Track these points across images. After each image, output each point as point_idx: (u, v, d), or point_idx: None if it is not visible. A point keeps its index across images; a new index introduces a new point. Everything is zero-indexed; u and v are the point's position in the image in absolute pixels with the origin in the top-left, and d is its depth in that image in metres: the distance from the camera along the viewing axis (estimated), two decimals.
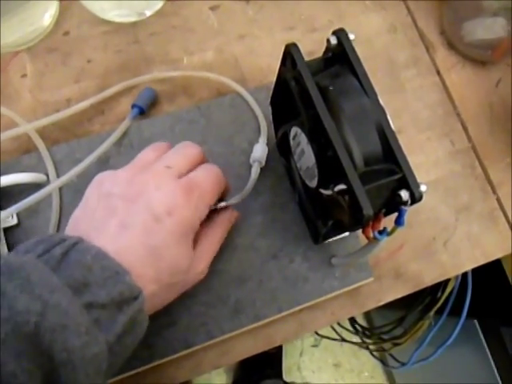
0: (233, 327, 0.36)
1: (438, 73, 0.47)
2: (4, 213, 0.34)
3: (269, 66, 0.44)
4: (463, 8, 0.46)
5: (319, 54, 0.32)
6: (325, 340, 1.09)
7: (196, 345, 0.36)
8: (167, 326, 0.36)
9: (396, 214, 0.29)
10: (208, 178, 0.31)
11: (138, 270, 0.27)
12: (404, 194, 0.26)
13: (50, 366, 0.22)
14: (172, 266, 0.29)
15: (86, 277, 0.25)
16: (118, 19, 0.44)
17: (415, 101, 0.46)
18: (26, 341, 0.21)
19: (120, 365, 0.27)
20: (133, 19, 0.44)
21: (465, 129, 0.45)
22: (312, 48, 0.44)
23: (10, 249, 0.36)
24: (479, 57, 0.47)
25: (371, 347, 0.85)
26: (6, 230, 0.36)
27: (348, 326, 0.86)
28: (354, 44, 0.29)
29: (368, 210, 0.26)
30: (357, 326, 0.86)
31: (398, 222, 0.28)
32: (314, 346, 1.13)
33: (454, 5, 0.47)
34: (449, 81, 0.46)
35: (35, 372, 0.21)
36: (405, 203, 0.27)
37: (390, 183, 0.27)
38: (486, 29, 0.44)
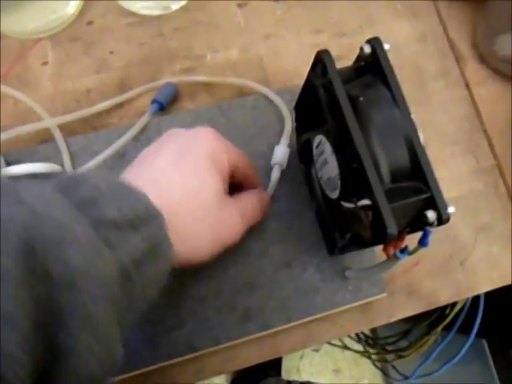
0: (239, 334, 0.36)
1: (467, 86, 0.45)
2: None
3: (294, 69, 0.43)
4: (498, 21, 0.44)
5: (346, 59, 0.31)
6: (326, 345, 1.08)
7: (201, 349, 0.35)
8: (174, 328, 0.35)
9: (419, 233, 0.28)
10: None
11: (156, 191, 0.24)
12: (431, 215, 0.25)
13: (46, 287, 0.18)
14: (196, 188, 0.27)
15: (93, 194, 0.21)
16: (143, 11, 0.43)
17: (441, 114, 0.44)
18: (14, 257, 0.17)
19: (143, 308, 0.24)
20: (158, 12, 0.43)
21: (491, 146, 0.44)
22: (339, 53, 0.43)
23: None
24: (510, 72, 0.45)
25: (373, 357, 0.84)
26: None
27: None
28: (388, 54, 0.28)
29: (393, 229, 0.25)
30: (360, 334, 0.85)
31: (423, 242, 0.27)
32: (315, 350, 1.12)
33: (489, 17, 0.45)
34: (477, 95, 0.45)
35: (26, 294, 0.17)
36: (431, 224, 0.26)
37: (416, 202, 0.26)
38: None
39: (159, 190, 0.26)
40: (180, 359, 0.35)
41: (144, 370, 0.34)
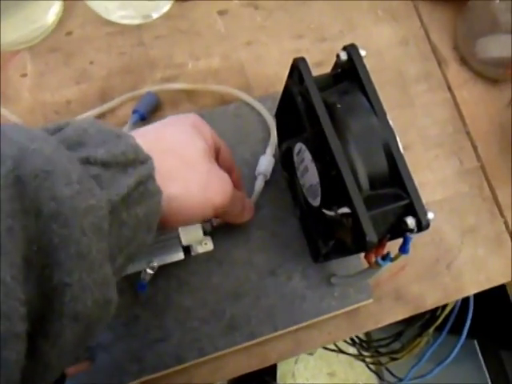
0: (226, 344, 0.35)
1: (449, 89, 0.45)
2: None
3: (275, 75, 0.43)
4: (478, 23, 0.45)
5: (327, 64, 0.31)
6: (321, 349, 1.08)
7: (188, 361, 0.35)
8: (159, 340, 0.35)
9: (400, 240, 0.27)
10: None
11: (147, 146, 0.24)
12: (410, 222, 0.25)
13: (36, 220, 0.18)
14: (185, 142, 0.27)
15: (82, 136, 0.21)
16: (123, 21, 0.42)
17: (424, 117, 0.44)
18: (4, 192, 0.17)
19: (135, 253, 0.23)
20: (139, 21, 0.43)
21: (474, 148, 0.44)
22: (320, 58, 0.43)
23: None
24: (492, 74, 0.46)
25: (368, 360, 0.84)
26: None
27: None
28: (365, 60, 0.28)
29: (372, 237, 0.24)
30: (354, 337, 0.85)
31: (403, 249, 0.27)
32: (310, 354, 1.11)
33: (469, 19, 0.45)
34: (460, 97, 0.45)
35: (17, 227, 0.17)
36: (411, 230, 0.26)
37: (396, 209, 0.26)
38: (500, 46, 0.43)
39: (148, 140, 0.25)
40: (167, 371, 0.35)
41: (130, 383, 0.34)
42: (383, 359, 0.77)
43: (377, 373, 0.89)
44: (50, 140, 0.20)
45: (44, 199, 0.18)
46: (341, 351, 0.88)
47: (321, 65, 0.41)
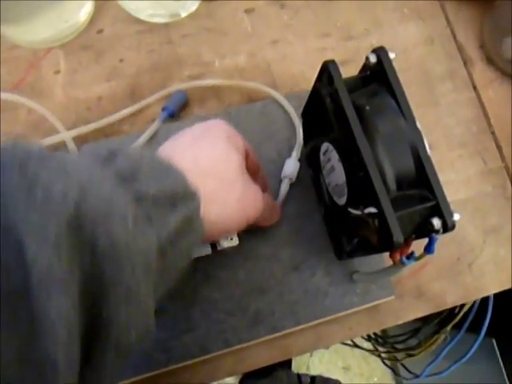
0: (250, 337, 0.36)
1: (475, 88, 0.45)
2: None
3: (301, 73, 0.44)
4: (505, 22, 0.44)
5: (353, 62, 0.31)
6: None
7: (213, 352, 0.36)
8: (186, 331, 0.36)
9: (425, 240, 0.28)
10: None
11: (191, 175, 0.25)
12: (436, 223, 0.26)
13: (91, 259, 0.19)
14: (221, 158, 0.28)
15: (135, 167, 0.22)
16: (152, 19, 0.43)
17: (449, 116, 0.44)
18: (66, 229, 0.18)
19: (172, 282, 0.24)
20: (167, 20, 0.44)
21: (499, 148, 0.44)
22: (346, 57, 0.44)
23: None
24: None
25: (383, 355, 0.85)
26: None
27: None
28: (394, 63, 0.28)
29: (399, 238, 0.25)
30: (370, 333, 0.85)
31: (428, 249, 0.27)
32: (325, 347, 1.12)
33: (496, 18, 0.45)
34: (485, 97, 0.45)
35: (75, 264, 0.18)
36: (436, 231, 0.26)
37: (422, 210, 0.26)
38: None
39: (186, 162, 0.26)
40: (192, 361, 0.36)
41: (157, 372, 0.35)
42: (399, 355, 0.77)
43: (392, 368, 0.90)
44: (106, 176, 0.21)
45: (100, 239, 0.19)
46: (356, 346, 0.89)
47: (346, 63, 0.41)
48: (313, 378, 0.39)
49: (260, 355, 0.38)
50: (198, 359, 0.36)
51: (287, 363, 1.07)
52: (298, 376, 0.38)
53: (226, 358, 0.37)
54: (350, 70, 0.31)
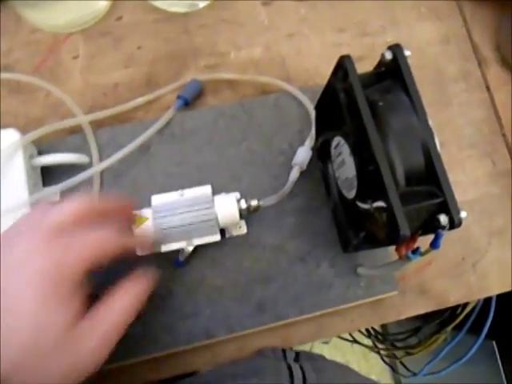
0: (254, 324, 0.37)
1: (488, 89, 0.46)
2: (48, 189, 0.35)
3: (315, 68, 0.44)
4: None
5: (368, 59, 0.32)
6: (336, 338, 1.09)
7: (216, 337, 0.37)
8: (191, 315, 0.37)
9: (431, 236, 0.28)
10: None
11: None
12: (443, 219, 0.26)
13: None
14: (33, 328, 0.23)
15: None
16: (171, 8, 0.44)
17: (460, 116, 0.45)
18: None
19: None
20: (185, 9, 0.44)
21: (509, 150, 0.44)
22: (361, 53, 0.44)
23: None
24: None
25: (382, 352, 0.85)
26: None
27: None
28: (409, 60, 0.29)
29: (405, 231, 0.26)
30: (370, 329, 0.86)
31: (434, 244, 0.28)
32: (325, 342, 1.13)
33: None
34: (498, 99, 0.45)
35: None
36: (443, 227, 0.27)
37: (430, 206, 0.27)
38: None
39: None
40: (196, 345, 0.37)
41: (161, 353, 0.36)
42: (399, 353, 0.78)
43: (391, 366, 0.90)
44: None
45: None
46: (356, 342, 0.89)
47: (361, 59, 0.42)
48: (297, 353, 0.40)
49: (262, 343, 0.39)
50: (201, 343, 0.37)
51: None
52: (283, 350, 0.39)
53: (228, 344, 0.38)
54: (364, 66, 0.32)
